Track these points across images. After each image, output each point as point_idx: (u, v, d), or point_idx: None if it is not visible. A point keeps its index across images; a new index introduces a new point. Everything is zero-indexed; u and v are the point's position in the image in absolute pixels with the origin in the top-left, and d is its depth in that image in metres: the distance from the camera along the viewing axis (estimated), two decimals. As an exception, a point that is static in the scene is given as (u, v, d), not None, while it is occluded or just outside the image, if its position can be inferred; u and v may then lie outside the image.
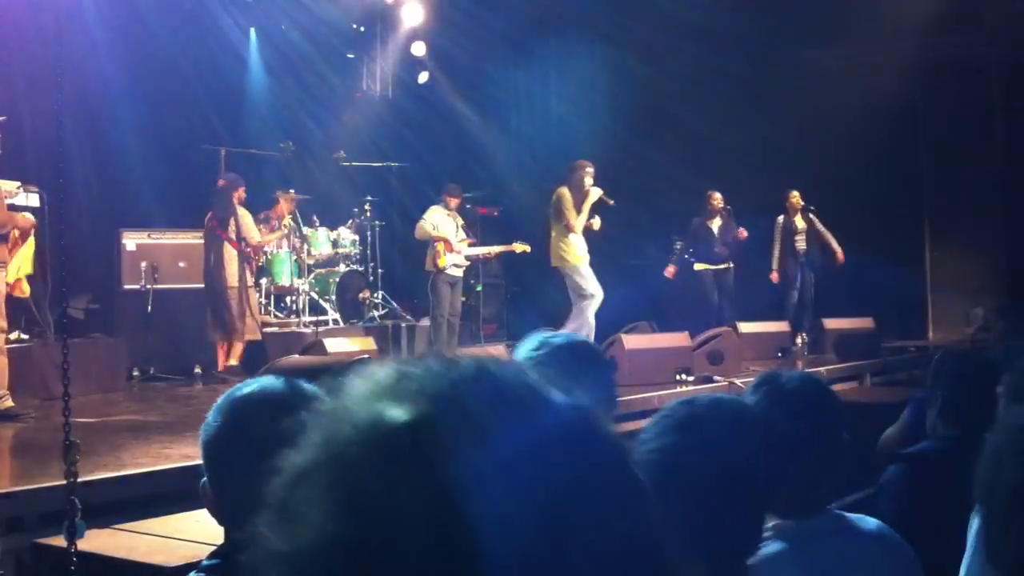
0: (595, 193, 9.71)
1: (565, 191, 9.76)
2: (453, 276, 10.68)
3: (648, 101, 13.25)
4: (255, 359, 9.26)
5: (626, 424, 5.29)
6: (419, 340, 11.53)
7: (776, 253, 12.18)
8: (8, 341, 7.33)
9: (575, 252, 9.73)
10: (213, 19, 11.63)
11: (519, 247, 11.19)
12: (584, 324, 9.50)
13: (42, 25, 6.61)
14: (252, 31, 12.77)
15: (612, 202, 9.96)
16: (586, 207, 9.68)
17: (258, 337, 9.66)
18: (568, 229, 9.66)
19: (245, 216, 9.63)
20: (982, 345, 8.91)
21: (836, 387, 9.01)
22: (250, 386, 1.80)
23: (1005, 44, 12.34)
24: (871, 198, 12.95)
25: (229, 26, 11.98)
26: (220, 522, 1.79)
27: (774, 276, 12.13)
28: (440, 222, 10.67)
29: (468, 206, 12.81)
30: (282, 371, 5.93)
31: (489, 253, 11.38)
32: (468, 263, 11.11)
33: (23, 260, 7.43)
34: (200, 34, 11.38)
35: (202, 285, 10.32)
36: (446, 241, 10.60)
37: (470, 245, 11.00)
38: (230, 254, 9.54)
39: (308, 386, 1.75)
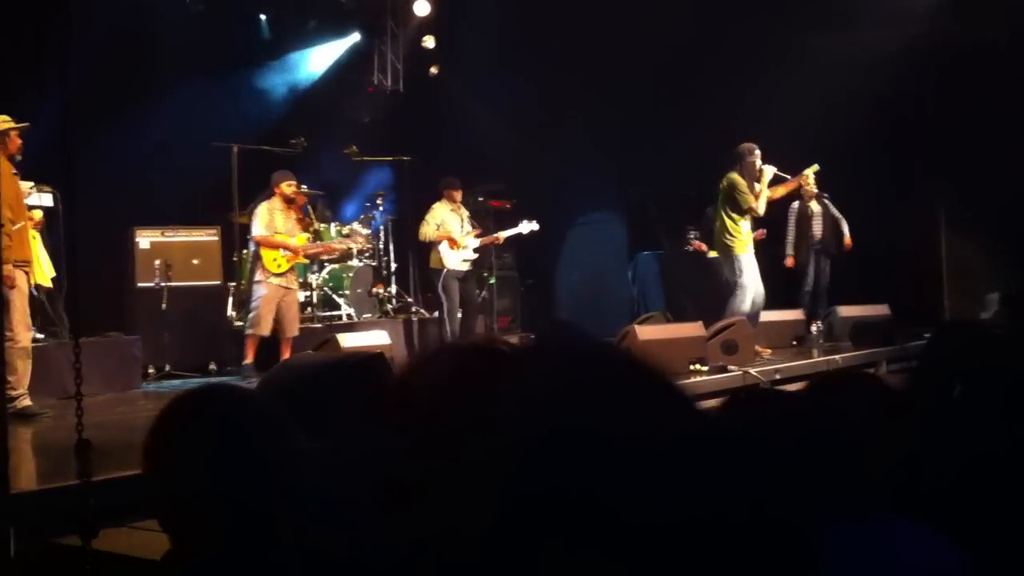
0: (769, 171, 9.62)
1: (736, 176, 9.63)
2: (461, 271, 10.68)
3: (660, 89, 13.20)
4: (268, 357, 9.21)
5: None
6: (432, 333, 11.53)
7: (790, 239, 12.12)
8: (34, 340, 7.39)
9: (741, 241, 9.62)
10: (224, 13, 11.64)
11: (527, 227, 11.14)
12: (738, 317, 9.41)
13: (49, 20, 6.62)
14: (263, 22, 12.73)
15: (790, 177, 9.89)
16: (763, 187, 9.59)
17: (263, 333, 9.43)
18: (752, 212, 9.57)
19: (259, 210, 9.59)
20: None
21: (851, 375, 9.02)
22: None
23: (1017, 26, 12.23)
24: (886, 184, 12.88)
25: (240, 21, 11.99)
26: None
27: (789, 261, 12.07)
28: (444, 219, 10.66)
29: (480, 198, 12.80)
30: (295, 368, 5.94)
31: (497, 239, 11.33)
32: (477, 255, 11.09)
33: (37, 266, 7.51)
34: (210, 29, 11.37)
35: (216, 282, 10.38)
36: (451, 239, 10.59)
37: (477, 236, 10.97)
38: (250, 250, 9.59)
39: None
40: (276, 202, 9.65)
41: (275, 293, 9.43)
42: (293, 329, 9.59)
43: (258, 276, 9.48)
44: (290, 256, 9.63)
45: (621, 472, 0.72)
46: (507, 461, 0.73)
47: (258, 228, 9.51)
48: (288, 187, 9.66)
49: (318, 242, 10.70)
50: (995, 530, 1.87)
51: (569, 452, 0.72)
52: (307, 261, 10.62)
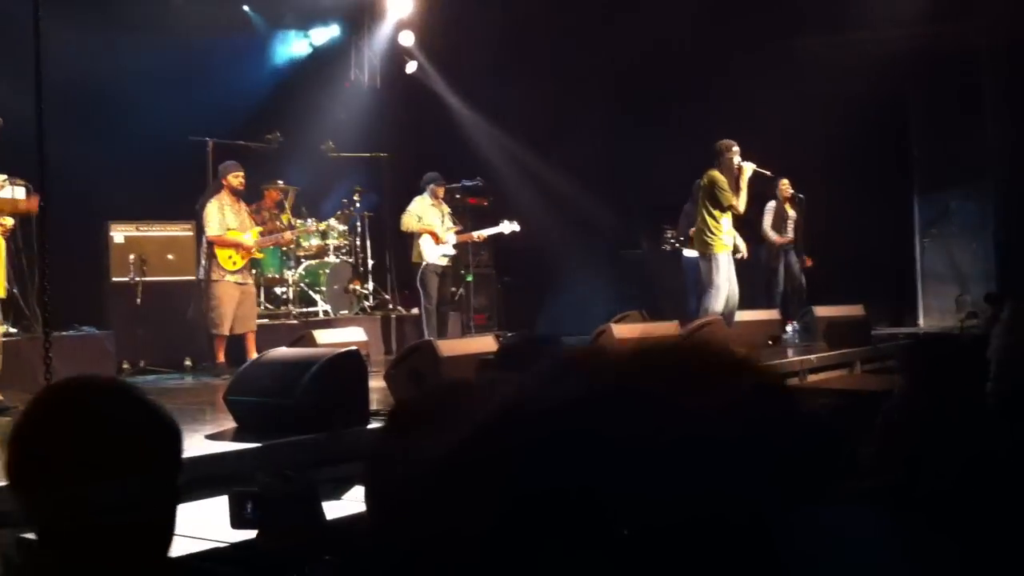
0: (748, 168, 9.68)
1: (716, 173, 9.69)
2: (440, 266, 10.65)
3: (640, 90, 13.22)
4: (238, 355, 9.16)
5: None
6: (409, 330, 11.51)
7: (765, 232, 12.17)
8: (5, 334, 7.33)
9: (720, 241, 9.69)
10: (203, 5, 11.55)
11: (507, 227, 11.17)
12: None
13: (23, 11, 6.55)
14: (246, 11, 12.65)
15: (770, 173, 9.95)
16: (743, 184, 9.65)
17: (224, 333, 9.34)
18: (733, 210, 9.65)
19: (210, 207, 9.45)
20: (972, 332, 8.92)
21: (826, 374, 9.08)
22: None
23: (997, 31, 12.33)
24: (861, 185, 12.96)
25: (218, 15, 11.91)
26: None
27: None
28: (425, 213, 10.63)
29: (458, 196, 12.78)
30: (267, 364, 5.91)
31: (480, 237, 11.36)
32: (456, 252, 11.07)
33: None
34: (188, 20, 11.28)
35: (191, 277, 10.30)
36: (432, 232, 10.57)
37: (457, 233, 10.96)
38: (203, 247, 9.51)
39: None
40: (225, 196, 9.54)
41: (233, 291, 9.39)
42: (252, 324, 9.55)
43: (215, 275, 9.38)
44: (244, 252, 9.56)
45: (620, 473, 0.71)
46: (507, 462, 0.73)
47: (213, 227, 9.40)
48: (235, 178, 9.56)
49: (276, 234, 10.69)
50: (995, 531, 1.88)
51: (569, 453, 0.72)
52: (262, 255, 10.52)
